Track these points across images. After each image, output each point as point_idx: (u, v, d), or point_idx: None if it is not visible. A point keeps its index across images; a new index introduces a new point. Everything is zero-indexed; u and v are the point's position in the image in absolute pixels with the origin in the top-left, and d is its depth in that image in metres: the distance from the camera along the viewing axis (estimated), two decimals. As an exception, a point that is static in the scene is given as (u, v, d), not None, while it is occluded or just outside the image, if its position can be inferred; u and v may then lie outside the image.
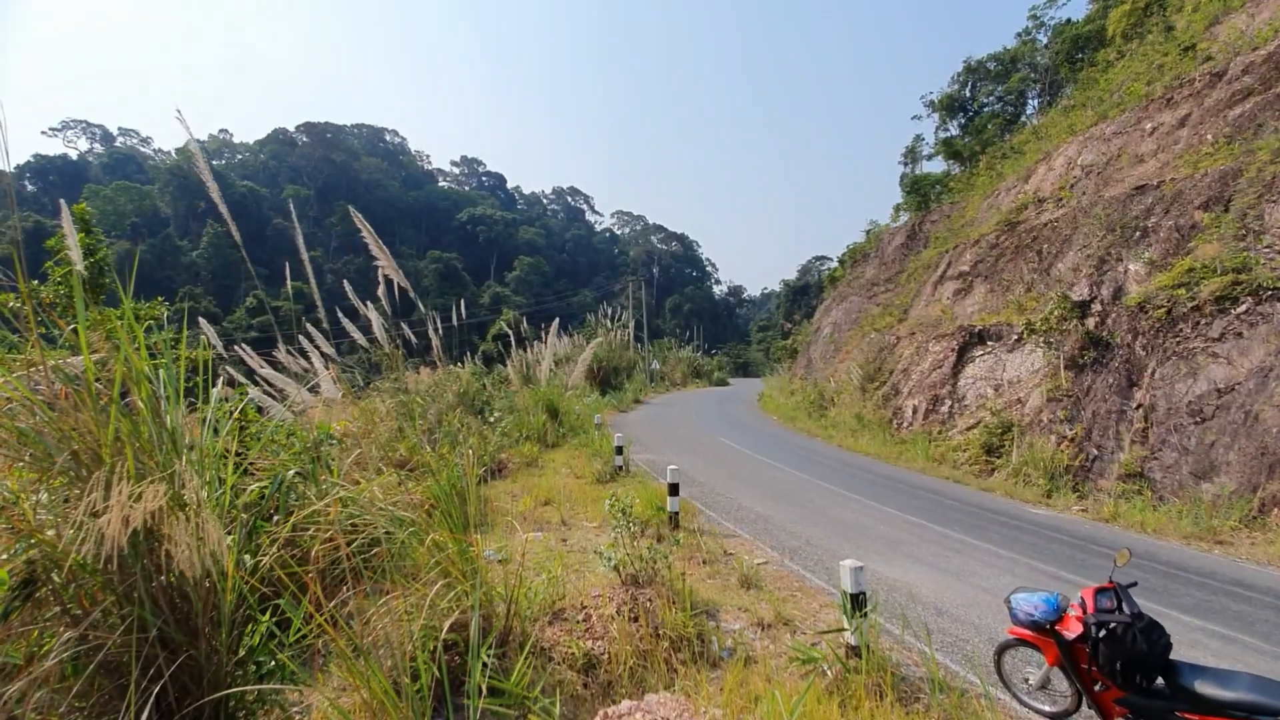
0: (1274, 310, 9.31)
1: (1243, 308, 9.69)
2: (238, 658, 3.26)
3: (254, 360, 6.46)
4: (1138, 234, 12.64)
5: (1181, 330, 10.37)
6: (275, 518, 4.29)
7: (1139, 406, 10.44)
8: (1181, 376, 10.01)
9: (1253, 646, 4.77)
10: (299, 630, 3.31)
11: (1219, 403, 9.34)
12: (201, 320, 5.33)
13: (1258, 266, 9.84)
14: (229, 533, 3.64)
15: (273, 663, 3.33)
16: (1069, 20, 30.82)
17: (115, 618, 2.90)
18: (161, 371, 3.56)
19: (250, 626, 3.36)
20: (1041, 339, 12.93)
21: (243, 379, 6.59)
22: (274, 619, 3.38)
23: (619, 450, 11.22)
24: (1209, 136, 13.19)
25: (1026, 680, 3.86)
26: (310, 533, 4.03)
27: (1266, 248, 10.04)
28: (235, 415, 5.73)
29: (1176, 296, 10.65)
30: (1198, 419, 9.46)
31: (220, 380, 4.50)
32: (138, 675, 2.82)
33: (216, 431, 4.41)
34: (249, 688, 3.03)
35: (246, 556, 3.57)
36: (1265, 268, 9.73)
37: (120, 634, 2.83)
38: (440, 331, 12.21)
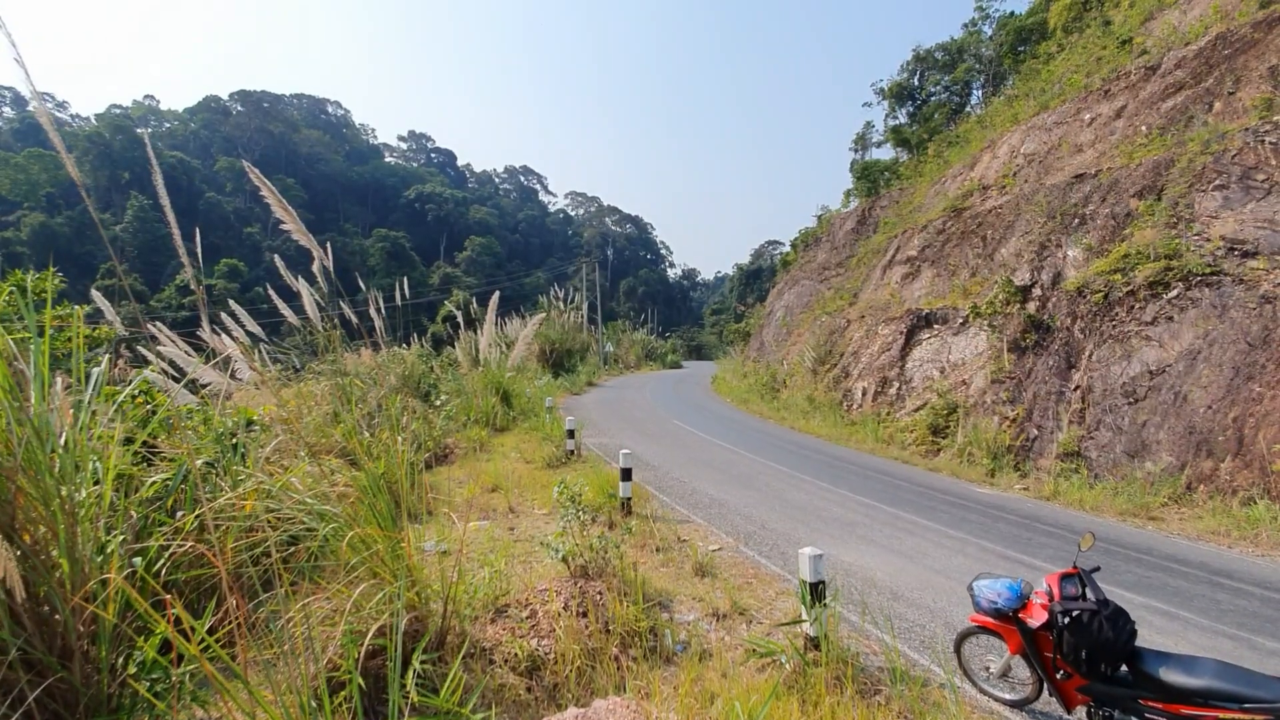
0: (1202, 295, 9.69)
1: (1174, 293, 10.05)
2: (126, 675, 2.84)
3: (170, 341, 5.83)
4: (1077, 221, 13.00)
5: (1117, 314, 10.71)
6: (180, 513, 3.83)
7: (1077, 388, 10.76)
8: (1116, 359, 10.35)
9: (1194, 623, 4.88)
10: (202, 640, 2.91)
11: (1151, 384, 9.69)
12: (96, 293, 4.72)
13: (1188, 253, 10.21)
14: (120, 533, 3.20)
15: (167, 680, 2.92)
16: (1013, 13, 31.58)
17: (-35, 638, 2.46)
18: (33, 349, 3.06)
19: (140, 640, 2.93)
20: (986, 322, 13.21)
21: (158, 360, 5.97)
22: (167, 631, 2.95)
23: (570, 434, 10.91)
24: (1143, 127, 13.63)
25: (987, 668, 3.79)
26: (221, 529, 3.61)
27: (1196, 235, 10.43)
28: (138, 399, 5.20)
29: (1113, 281, 10.98)
30: (1131, 400, 9.80)
31: (106, 359, 3.97)
32: (-5, 703, 2.41)
33: (122, 415, 3.91)
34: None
35: (137, 560, 3.14)
36: (1195, 254, 10.10)
37: (-32, 657, 2.40)
38: (383, 311, 11.56)
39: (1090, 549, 3.38)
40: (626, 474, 7.49)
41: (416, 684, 2.96)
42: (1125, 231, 11.72)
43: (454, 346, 19.52)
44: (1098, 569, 3.31)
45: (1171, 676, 2.78)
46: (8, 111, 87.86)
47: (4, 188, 63.30)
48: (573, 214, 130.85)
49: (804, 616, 3.83)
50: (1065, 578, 3.24)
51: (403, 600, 3.07)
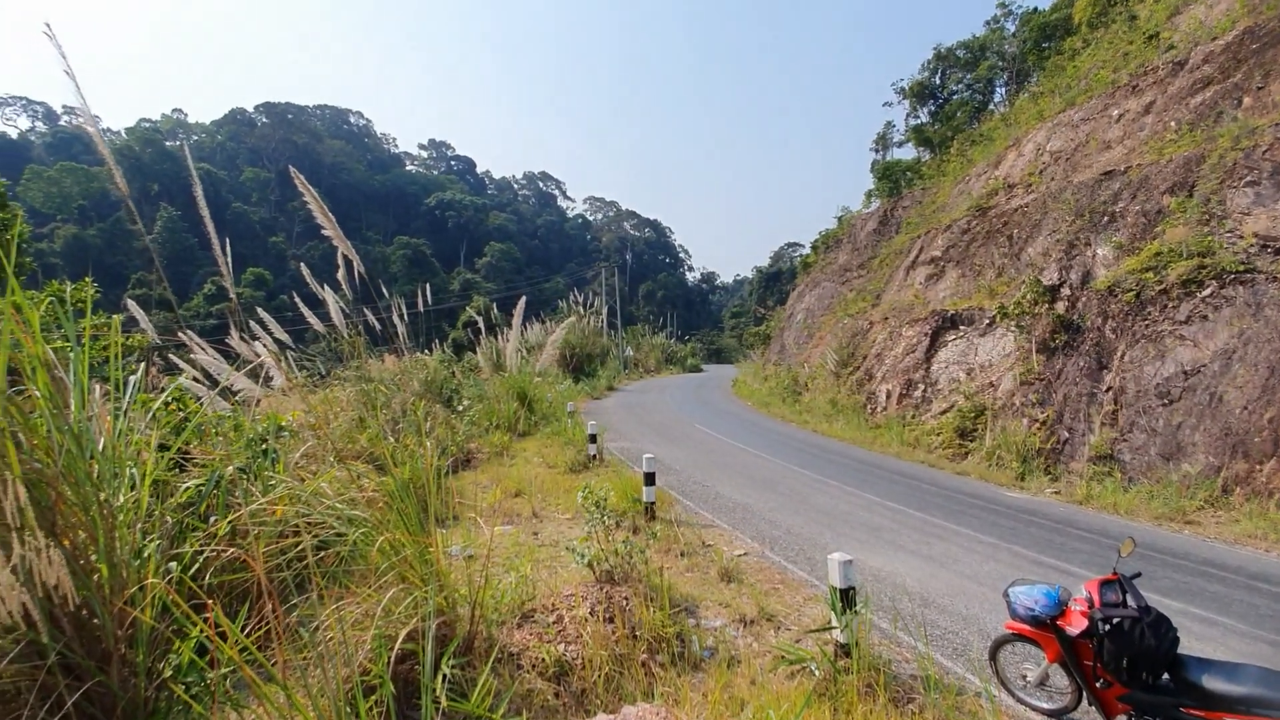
0: (1237, 293, 9.42)
1: (1208, 291, 9.79)
2: (162, 678, 2.88)
3: (201, 349, 5.97)
4: (1106, 219, 12.73)
5: (1150, 313, 10.46)
6: (213, 518, 3.89)
7: (1109, 389, 10.51)
8: (1150, 359, 10.10)
9: (1233, 629, 4.73)
10: (238, 643, 2.94)
11: (1185, 384, 9.43)
12: (130, 303, 4.85)
13: (1221, 250, 9.95)
14: (156, 538, 3.26)
15: (203, 684, 2.96)
16: (1036, 9, 31.13)
17: (8, 642, 2.51)
18: (72, 358, 3.13)
19: (178, 643, 2.98)
20: (1013, 323, 12.98)
21: (189, 368, 6.09)
22: (205, 634, 2.99)
23: (592, 438, 10.91)
24: (1173, 123, 13.32)
25: (1024, 677, 3.70)
26: (253, 534, 3.66)
27: (1229, 232, 10.15)
28: (171, 406, 5.30)
29: (1145, 280, 10.73)
30: (1165, 401, 9.55)
31: (142, 367, 4.05)
32: (34, 706, 2.45)
33: (156, 422, 3.99)
34: None
35: (173, 564, 3.19)
36: (1228, 252, 9.84)
37: (10, 661, 2.45)
38: (406, 318, 11.71)
39: (1130, 555, 3.29)
40: (650, 478, 7.47)
41: (446, 689, 2.97)
42: (1156, 229, 11.45)
43: (475, 352, 19.69)
44: (1138, 575, 3.22)
45: (1214, 684, 2.70)
46: (40, 126, 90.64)
47: (37, 200, 65.23)
48: (591, 219, 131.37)
49: (834, 623, 3.77)
50: (1105, 584, 3.16)
51: (432, 605, 3.08)
